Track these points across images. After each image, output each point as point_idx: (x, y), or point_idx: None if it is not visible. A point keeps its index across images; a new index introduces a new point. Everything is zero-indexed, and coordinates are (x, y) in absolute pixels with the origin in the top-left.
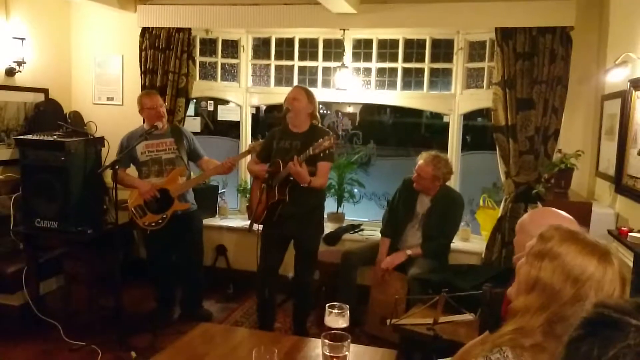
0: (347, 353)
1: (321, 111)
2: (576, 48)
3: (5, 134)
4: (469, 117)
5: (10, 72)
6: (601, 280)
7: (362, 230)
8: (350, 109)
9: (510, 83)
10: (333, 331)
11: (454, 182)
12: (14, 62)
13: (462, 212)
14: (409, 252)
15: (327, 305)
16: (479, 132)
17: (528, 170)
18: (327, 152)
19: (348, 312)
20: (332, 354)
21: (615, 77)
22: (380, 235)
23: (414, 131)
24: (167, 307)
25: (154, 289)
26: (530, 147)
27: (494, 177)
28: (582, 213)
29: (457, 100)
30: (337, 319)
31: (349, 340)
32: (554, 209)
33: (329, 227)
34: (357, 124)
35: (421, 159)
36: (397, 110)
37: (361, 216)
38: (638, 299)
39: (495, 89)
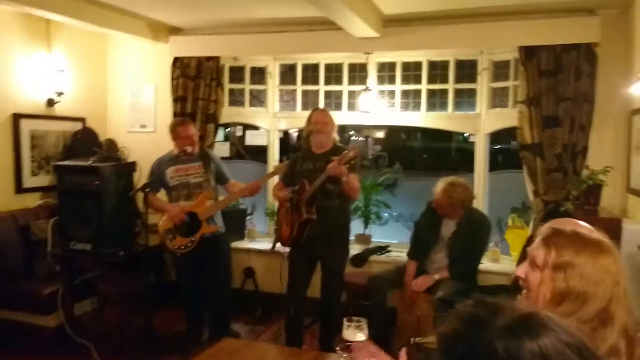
0: None
1: (352, 137)
2: (602, 64)
3: (44, 161)
4: (501, 139)
5: (50, 103)
6: (618, 273)
7: (389, 251)
8: (380, 134)
9: (535, 101)
10: (348, 343)
11: (481, 203)
12: (55, 92)
13: (489, 235)
14: (436, 276)
15: (345, 318)
16: (511, 153)
17: (557, 188)
18: (351, 163)
19: (366, 325)
20: None
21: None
22: (407, 257)
23: (443, 155)
24: (197, 328)
25: (184, 311)
26: (558, 165)
27: (523, 197)
28: (612, 230)
29: (483, 120)
30: (355, 332)
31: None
32: (573, 219)
33: (355, 249)
34: (382, 146)
35: (437, 188)
36: (427, 134)
37: (388, 238)
38: (479, 301)
39: (521, 107)
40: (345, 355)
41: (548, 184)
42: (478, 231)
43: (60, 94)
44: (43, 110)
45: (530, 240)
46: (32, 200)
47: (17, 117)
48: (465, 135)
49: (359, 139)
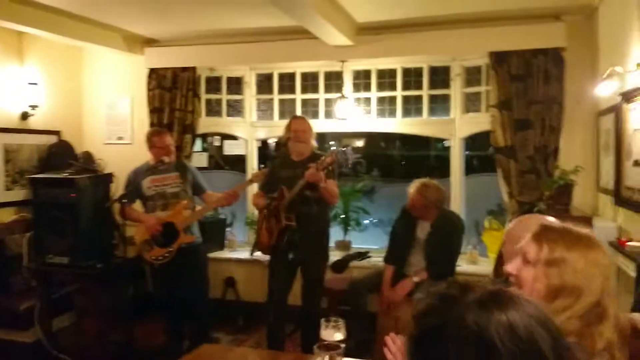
0: None
1: (332, 147)
2: (570, 67)
3: (19, 175)
4: (478, 147)
5: (24, 116)
6: (607, 267)
7: (369, 257)
8: (361, 144)
9: (506, 105)
10: (326, 342)
11: (458, 206)
12: (29, 106)
13: (462, 236)
14: (415, 279)
15: (323, 319)
16: (487, 159)
17: (531, 189)
18: (329, 169)
19: (344, 325)
20: None
21: (603, 91)
22: (384, 262)
23: (421, 162)
24: (177, 340)
25: (163, 323)
26: (531, 167)
27: (499, 199)
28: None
29: (457, 125)
30: (332, 331)
31: (341, 348)
32: (538, 214)
33: (335, 255)
34: (362, 155)
35: (411, 189)
36: (405, 143)
37: (368, 244)
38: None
39: (493, 112)
40: (323, 355)
41: (522, 186)
42: (453, 231)
43: (34, 107)
44: (17, 124)
45: (504, 242)
46: (7, 215)
47: None
48: (444, 143)
49: (339, 148)
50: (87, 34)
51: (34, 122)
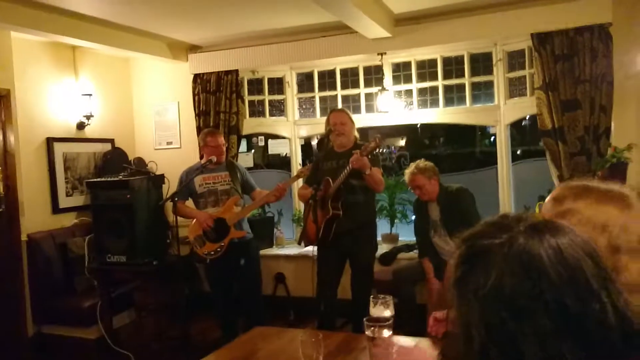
0: (390, 334)
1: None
2: (618, 43)
3: (78, 182)
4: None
5: (80, 126)
6: (625, 222)
7: (417, 249)
8: (402, 142)
9: (552, 86)
10: (376, 316)
11: (506, 194)
12: (84, 116)
13: (473, 199)
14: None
15: (371, 297)
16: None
17: (582, 171)
18: (374, 154)
19: (392, 302)
20: (374, 335)
21: None
22: (419, 258)
23: (466, 157)
24: (231, 336)
25: (218, 319)
26: (581, 148)
27: (550, 184)
28: None
29: (502, 111)
30: (381, 308)
31: (391, 322)
32: (590, 179)
33: (383, 248)
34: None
35: (407, 177)
36: (451, 140)
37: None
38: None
39: (538, 94)
40: (372, 329)
41: (572, 168)
42: (459, 200)
43: (89, 117)
44: (74, 134)
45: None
46: (69, 220)
47: (50, 141)
48: (491, 139)
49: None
50: (134, 44)
51: (89, 131)
